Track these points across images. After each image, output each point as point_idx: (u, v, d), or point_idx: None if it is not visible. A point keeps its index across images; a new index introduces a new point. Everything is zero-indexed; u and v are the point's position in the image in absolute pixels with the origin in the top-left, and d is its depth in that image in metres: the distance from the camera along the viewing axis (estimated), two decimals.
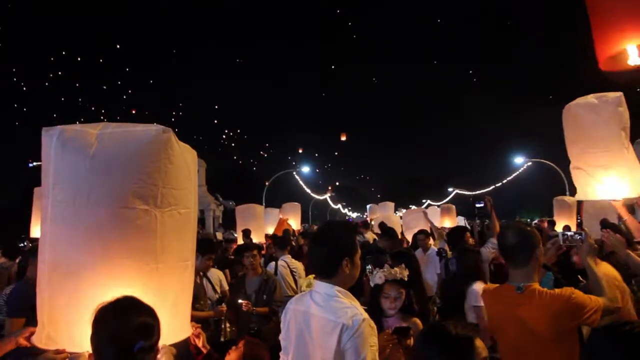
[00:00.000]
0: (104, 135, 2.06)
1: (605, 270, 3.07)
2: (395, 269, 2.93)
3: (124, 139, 2.07)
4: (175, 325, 2.19)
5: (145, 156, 2.05)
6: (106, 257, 1.98)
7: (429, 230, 9.33)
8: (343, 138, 29.31)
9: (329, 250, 2.13)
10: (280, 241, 7.08)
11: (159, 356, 2.07)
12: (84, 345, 1.86)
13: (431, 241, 9.14)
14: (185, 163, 2.24)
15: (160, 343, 2.00)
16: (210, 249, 4.94)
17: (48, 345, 2.03)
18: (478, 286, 3.85)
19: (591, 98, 3.87)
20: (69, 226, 2.02)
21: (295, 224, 13.33)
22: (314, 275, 2.20)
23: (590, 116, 3.82)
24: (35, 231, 7.64)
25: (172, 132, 2.14)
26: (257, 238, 9.91)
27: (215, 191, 27.16)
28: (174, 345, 2.19)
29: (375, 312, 2.82)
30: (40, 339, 2.07)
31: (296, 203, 14.42)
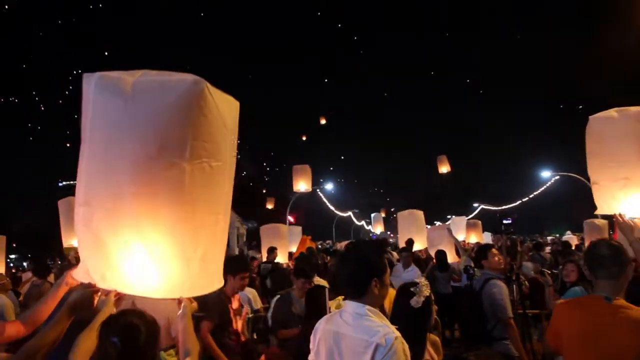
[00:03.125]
0: (139, 84, 2.07)
1: None
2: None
3: (158, 88, 2.07)
4: (204, 277, 2.23)
5: (177, 108, 2.04)
6: (135, 202, 2.02)
7: (453, 247, 9.22)
8: (323, 122, 29.09)
9: (356, 270, 2.12)
10: (306, 257, 7.07)
11: (178, 313, 2.24)
12: (113, 282, 2.03)
13: (456, 258, 9.05)
14: (219, 115, 2.19)
15: (190, 295, 2.22)
16: (244, 267, 4.50)
17: (85, 280, 2.12)
18: None
19: (612, 111, 3.87)
20: (102, 167, 2.07)
21: (305, 185, 13.42)
22: (343, 297, 2.20)
23: (609, 129, 3.82)
24: (67, 240, 7.86)
25: (206, 83, 2.10)
26: (281, 257, 9.97)
27: (237, 209, 27.32)
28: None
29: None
30: (78, 272, 2.18)
31: (306, 165, 14.26)
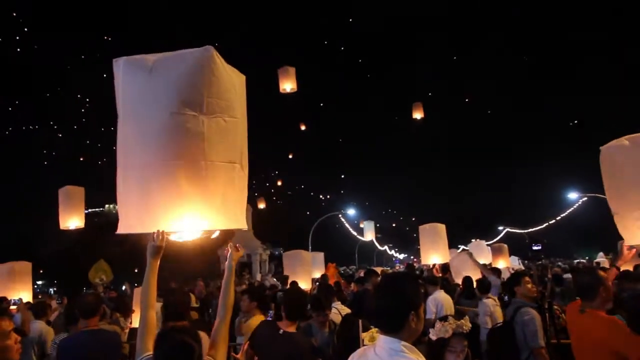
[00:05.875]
0: (159, 58, 2.49)
1: None
2: (462, 320, 2.83)
3: (175, 58, 2.50)
4: (227, 213, 2.58)
5: (192, 71, 2.43)
6: (163, 154, 2.40)
7: (478, 272, 8.98)
8: (303, 127, 29.49)
9: (394, 303, 2.05)
10: (326, 288, 6.94)
11: (226, 263, 2.72)
12: (152, 226, 2.42)
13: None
14: (229, 79, 2.60)
15: (215, 228, 2.58)
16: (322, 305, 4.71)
17: (127, 230, 2.50)
18: None
19: (623, 140, 3.83)
20: (134, 130, 2.50)
21: (291, 84, 12.65)
22: (376, 329, 2.13)
23: (623, 157, 3.79)
24: (63, 223, 8.88)
25: (214, 50, 2.49)
26: (304, 284, 9.87)
27: (261, 236, 27.41)
28: None
29: None
30: (121, 227, 2.54)
31: (289, 67, 13.09)
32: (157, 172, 2.41)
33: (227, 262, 2.81)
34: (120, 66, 2.55)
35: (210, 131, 2.45)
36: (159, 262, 2.58)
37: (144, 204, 2.44)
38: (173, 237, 2.57)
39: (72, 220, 8.92)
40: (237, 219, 2.70)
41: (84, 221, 9.21)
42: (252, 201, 28.99)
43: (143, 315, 2.49)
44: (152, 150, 2.42)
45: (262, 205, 28.29)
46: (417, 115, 16.68)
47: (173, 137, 2.40)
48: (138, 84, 2.47)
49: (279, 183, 43.62)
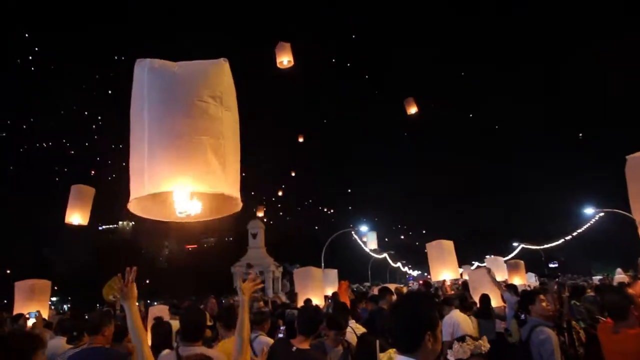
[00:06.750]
0: (181, 64, 2.92)
1: None
2: (480, 341, 2.79)
3: (195, 64, 2.95)
4: (234, 185, 2.89)
5: (213, 72, 2.93)
6: (188, 130, 2.75)
7: (495, 289, 8.83)
8: (301, 139, 30.53)
9: (410, 323, 2.05)
10: (342, 307, 6.88)
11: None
12: (168, 186, 2.69)
13: (501, 302, 8.64)
14: (232, 87, 3.06)
15: (222, 191, 2.79)
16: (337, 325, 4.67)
17: (148, 191, 2.71)
18: None
19: None
20: (162, 114, 2.78)
21: (288, 57, 12.90)
22: (394, 350, 2.13)
23: None
24: (69, 217, 9.10)
25: (227, 62, 3.01)
26: (316, 300, 9.79)
27: (273, 253, 27.40)
28: None
29: None
30: (139, 192, 2.75)
31: (285, 43, 13.22)
32: (185, 143, 2.75)
33: (239, 298, 3.05)
34: (146, 65, 2.91)
35: (226, 119, 2.89)
36: (135, 303, 2.88)
37: (167, 168, 2.73)
38: (185, 212, 2.80)
39: (76, 216, 9.18)
40: (238, 192, 3.01)
41: (87, 220, 9.44)
42: (259, 217, 29.34)
43: (138, 351, 2.77)
44: (178, 127, 2.77)
45: (260, 214, 28.88)
46: (412, 110, 16.33)
47: (197, 117, 2.79)
48: (164, 79, 2.86)
49: (281, 194, 44.08)
